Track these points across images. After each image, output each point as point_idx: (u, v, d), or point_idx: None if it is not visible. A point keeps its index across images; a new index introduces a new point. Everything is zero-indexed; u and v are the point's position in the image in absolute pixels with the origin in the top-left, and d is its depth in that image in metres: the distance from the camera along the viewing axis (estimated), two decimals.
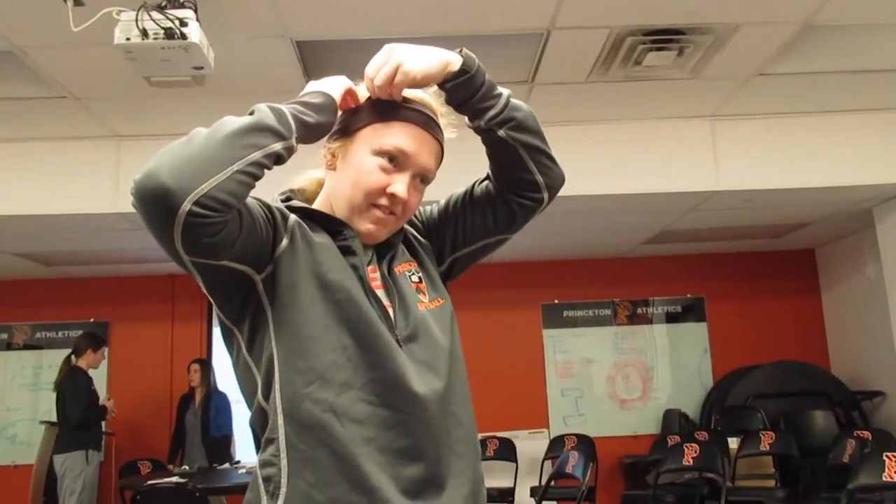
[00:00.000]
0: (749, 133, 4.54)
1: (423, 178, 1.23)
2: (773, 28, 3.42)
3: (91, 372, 5.39)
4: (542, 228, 5.51)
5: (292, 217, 1.19)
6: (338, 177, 1.23)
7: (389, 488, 1.08)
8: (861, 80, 4.09)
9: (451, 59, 1.17)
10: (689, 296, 6.88)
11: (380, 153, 1.18)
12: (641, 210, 5.03)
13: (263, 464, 1.11)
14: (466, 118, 1.24)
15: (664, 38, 3.45)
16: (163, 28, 2.48)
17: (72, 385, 5.23)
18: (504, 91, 1.23)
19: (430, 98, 1.26)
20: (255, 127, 1.05)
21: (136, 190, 0.97)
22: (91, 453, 5.14)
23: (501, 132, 1.21)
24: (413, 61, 1.15)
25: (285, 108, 1.10)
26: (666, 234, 5.89)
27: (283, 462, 1.08)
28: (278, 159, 1.07)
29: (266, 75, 3.67)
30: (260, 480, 1.11)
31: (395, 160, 1.19)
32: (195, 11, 2.58)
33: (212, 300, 1.15)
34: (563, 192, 1.34)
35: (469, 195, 1.34)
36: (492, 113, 1.21)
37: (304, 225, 1.19)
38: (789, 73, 3.94)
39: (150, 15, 2.48)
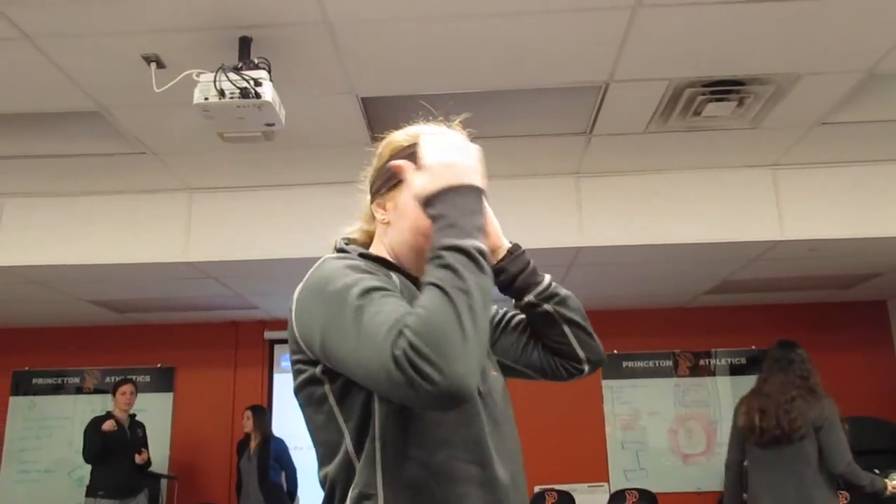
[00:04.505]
0: (813, 182, 4.46)
1: None
2: (835, 78, 3.39)
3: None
4: (602, 278, 5.47)
5: (392, 274, 1.19)
6: (395, 228, 1.21)
7: None
8: None
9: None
10: (753, 347, 6.70)
11: None
12: (703, 260, 4.96)
13: None
14: (513, 299, 1.32)
15: (724, 88, 3.46)
16: (239, 88, 2.61)
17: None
18: (546, 274, 1.33)
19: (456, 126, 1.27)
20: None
21: (441, 392, 0.91)
22: (98, 501, 5.29)
23: (548, 306, 1.30)
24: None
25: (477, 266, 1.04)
26: (729, 284, 5.78)
27: None
28: None
29: (331, 130, 3.80)
30: None
31: None
32: (269, 72, 2.72)
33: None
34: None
35: (528, 328, 1.36)
36: (540, 288, 1.30)
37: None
38: (853, 122, 3.89)
39: (227, 76, 2.62)
